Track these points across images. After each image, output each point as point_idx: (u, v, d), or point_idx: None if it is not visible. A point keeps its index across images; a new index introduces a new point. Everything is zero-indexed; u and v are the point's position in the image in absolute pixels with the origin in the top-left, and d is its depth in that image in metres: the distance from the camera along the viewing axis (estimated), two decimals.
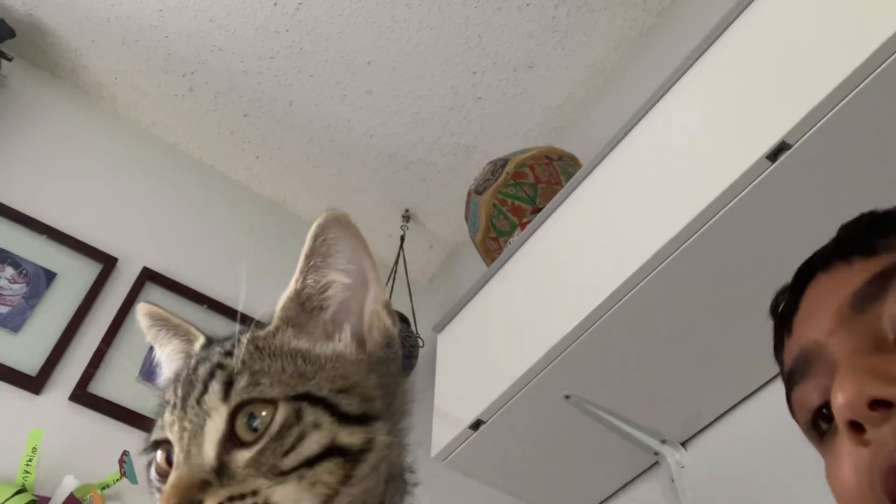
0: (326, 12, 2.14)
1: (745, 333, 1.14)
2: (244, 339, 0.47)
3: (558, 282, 1.32)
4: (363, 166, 2.54)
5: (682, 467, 1.31)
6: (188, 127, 2.48)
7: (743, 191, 0.98)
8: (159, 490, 0.45)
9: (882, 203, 0.95)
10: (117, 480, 1.60)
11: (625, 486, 1.43)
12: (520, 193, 1.65)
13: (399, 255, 2.48)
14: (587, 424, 1.28)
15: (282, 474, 0.40)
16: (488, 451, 1.38)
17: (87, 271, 2.00)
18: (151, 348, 0.58)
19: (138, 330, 0.60)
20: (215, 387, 0.43)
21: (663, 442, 1.33)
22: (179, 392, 0.46)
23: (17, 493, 1.49)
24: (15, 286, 1.86)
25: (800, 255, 1.01)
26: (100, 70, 2.35)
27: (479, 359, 1.45)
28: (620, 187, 1.26)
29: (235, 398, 0.42)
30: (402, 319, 2.11)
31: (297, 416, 0.42)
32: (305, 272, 0.50)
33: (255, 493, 0.39)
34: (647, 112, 1.26)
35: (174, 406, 0.45)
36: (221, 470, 0.40)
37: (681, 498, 1.28)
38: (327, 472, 0.41)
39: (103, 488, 1.59)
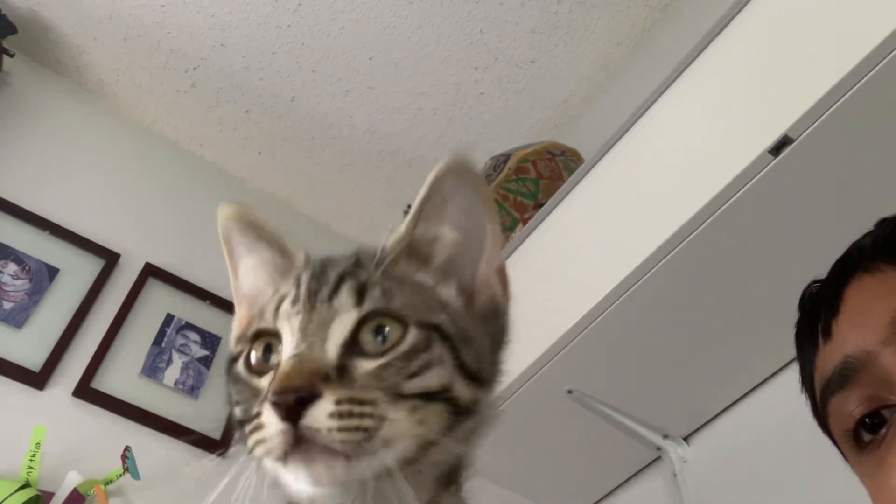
0: (328, 8, 2.14)
1: (747, 328, 1.14)
2: (375, 254, 0.45)
3: (560, 277, 1.32)
4: (365, 163, 2.54)
5: (685, 462, 1.31)
6: (190, 124, 2.48)
7: (745, 185, 0.98)
8: (244, 383, 0.43)
9: (884, 199, 0.95)
10: (120, 476, 1.60)
11: (627, 480, 1.43)
12: (522, 189, 1.65)
13: None
14: (589, 419, 1.28)
15: (400, 397, 0.39)
16: (490, 447, 1.38)
17: (90, 267, 2.00)
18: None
19: (216, 235, 0.53)
20: (347, 290, 0.42)
21: (666, 437, 1.33)
22: (304, 288, 0.43)
23: (21, 488, 1.50)
24: (18, 282, 1.86)
25: (802, 250, 1.01)
26: (102, 67, 2.35)
27: None
28: (623, 182, 1.26)
29: (369, 305, 0.41)
30: None
31: (427, 344, 0.41)
32: (416, 219, 0.47)
33: (373, 403, 0.38)
34: (649, 107, 1.26)
35: (296, 299, 0.43)
36: (342, 371, 0.39)
37: (683, 493, 1.28)
38: (436, 414, 0.40)
39: (107, 484, 1.60)
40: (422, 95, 2.34)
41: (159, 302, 2.07)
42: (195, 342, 2.06)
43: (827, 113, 0.90)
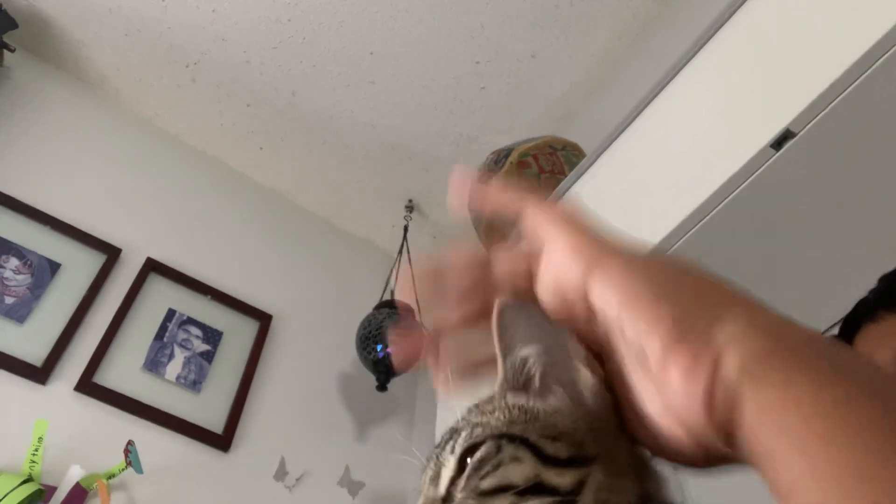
0: (328, 2, 2.13)
1: None
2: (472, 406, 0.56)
3: None
4: (366, 157, 2.54)
5: None
6: (191, 118, 2.48)
7: (747, 179, 0.98)
8: None
9: (885, 193, 0.95)
10: (122, 470, 1.61)
11: None
12: (523, 184, 1.65)
13: (402, 245, 2.48)
14: None
15: (483, 494, 0.46)
16: None
17: (91, 262, 2.00)
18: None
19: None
20: (449, 445, 0.53)
21: None
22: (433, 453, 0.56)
23: (24, 482, 1.50)
24: (20, 277, 1.87)
25: (803, 244, 1.01)
26: (102, 61, 2.35)
27: None
28: (624, 177, 1.26)
29: (459, 448, 0.51)
30: (407, 310, 2.11)
31: (497, 449, 0.48)
32: (502, 359, 0.54)
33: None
34: (650, 101, 1.26)
35: (428, 459, 0.55)
36: (447, 498, 0.49)
37: (685, 491, 1.28)
38: None
39: (109, 478, 1.60)
40: (423, 89, 2.33)
41: (161, 297, 2.08)
42: (197, 337, 2.06)
43: (829, 107, 0.90)
